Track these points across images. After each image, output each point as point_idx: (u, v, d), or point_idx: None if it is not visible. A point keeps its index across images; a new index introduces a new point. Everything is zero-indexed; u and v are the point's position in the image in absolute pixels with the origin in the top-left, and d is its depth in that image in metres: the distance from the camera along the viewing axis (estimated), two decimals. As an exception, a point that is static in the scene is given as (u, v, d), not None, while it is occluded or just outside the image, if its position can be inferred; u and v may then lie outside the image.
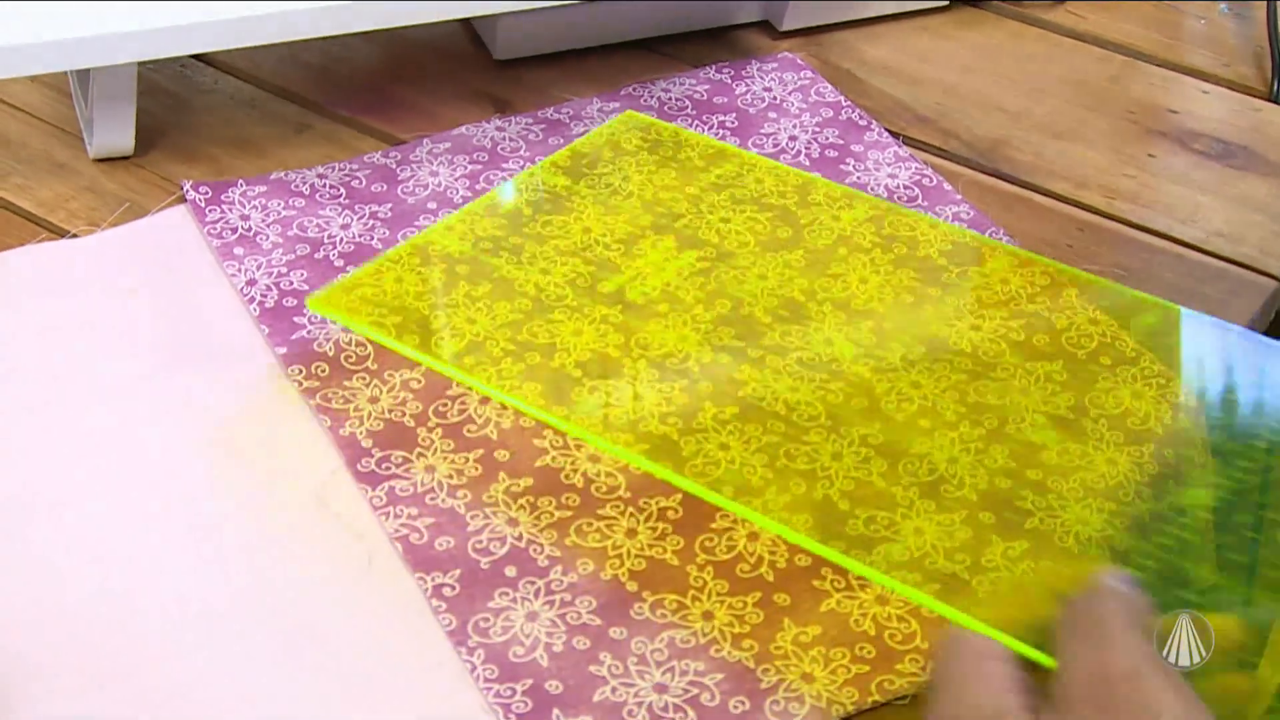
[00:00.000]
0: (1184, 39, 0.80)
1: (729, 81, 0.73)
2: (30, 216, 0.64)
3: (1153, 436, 0.53)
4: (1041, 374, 0.56)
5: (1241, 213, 0.69)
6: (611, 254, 0.61)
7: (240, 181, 0.65)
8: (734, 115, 0.71)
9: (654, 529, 0.50)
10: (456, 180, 0.66)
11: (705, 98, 0.72)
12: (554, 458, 0.53)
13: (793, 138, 0.70)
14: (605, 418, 0.54)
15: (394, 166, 0.67)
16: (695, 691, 0.47)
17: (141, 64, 0.64)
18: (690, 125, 0.70)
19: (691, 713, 0.47)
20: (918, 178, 0.68)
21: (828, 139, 0.70)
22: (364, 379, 0.56)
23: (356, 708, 0.46)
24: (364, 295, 0.57)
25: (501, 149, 0.68)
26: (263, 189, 0.65)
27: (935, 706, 0.41)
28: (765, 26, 0.78)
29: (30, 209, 0.64)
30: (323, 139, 0.70)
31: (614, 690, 0.47)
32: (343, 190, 0.65)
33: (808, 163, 0.68)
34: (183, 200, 0.64)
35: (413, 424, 0.55)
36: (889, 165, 0.68)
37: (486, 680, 0.47)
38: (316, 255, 0.62)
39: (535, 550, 0.51)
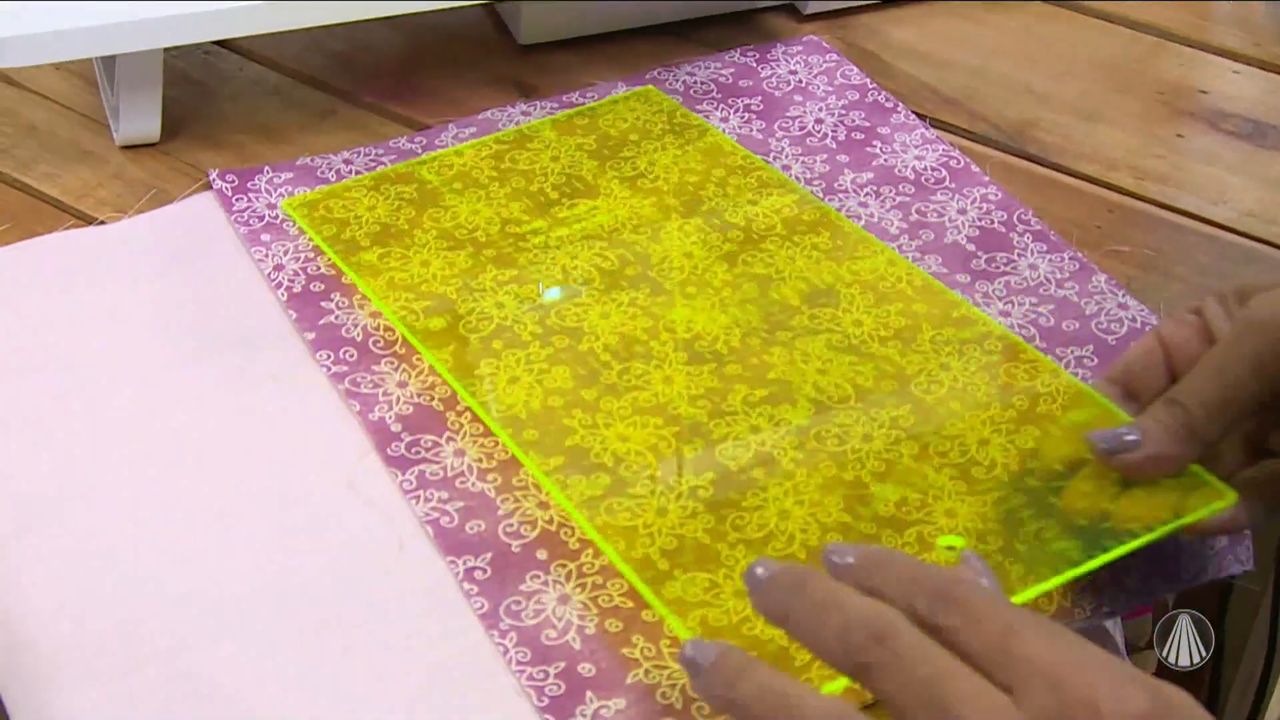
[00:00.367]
0: (1213, 19, 0.80)
1: (754, 65, 0.73)
2: (58, 204, 0.64)
3: None
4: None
5: (1273, 193, 0.68)
6: (639, 237, 0.61)
7: (266, 168, 0.65)
8: (759, 99, 0.71)
9: (684, 507, 0.50)
10: (481, 162, 0.66)
11: (730, 81, 0.72)
12: (582, 437, 0.53)
13: (819, 120, 0.69)
14: (634, 401, 0.54)
15: (419, 151, 0.67)
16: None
17: (166, 51, 0.64)
18: (716, 109, 0.70)
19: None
20: (945, 160, 0.67)
21: (854, 121, 0.69)
22: (392, 363, 0.56)
23: (389, 691, 0.46)
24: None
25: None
26: (289, 175, 0.65)
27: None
28: (789, 10, 0.78)
29: (58, 196, 0.65)
30: (348, 125, 0.69)
31: (647, 673, 0.47)
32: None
33: (834, 145, 0.68)
34: (208, 187, 0.64)
35: (442, 408, 0.55)
36: (916, 147, 0.68)
37: (519, 663, 0.47)
38: (343, 241, 0.62)
39: (566, 533, 0.50)
